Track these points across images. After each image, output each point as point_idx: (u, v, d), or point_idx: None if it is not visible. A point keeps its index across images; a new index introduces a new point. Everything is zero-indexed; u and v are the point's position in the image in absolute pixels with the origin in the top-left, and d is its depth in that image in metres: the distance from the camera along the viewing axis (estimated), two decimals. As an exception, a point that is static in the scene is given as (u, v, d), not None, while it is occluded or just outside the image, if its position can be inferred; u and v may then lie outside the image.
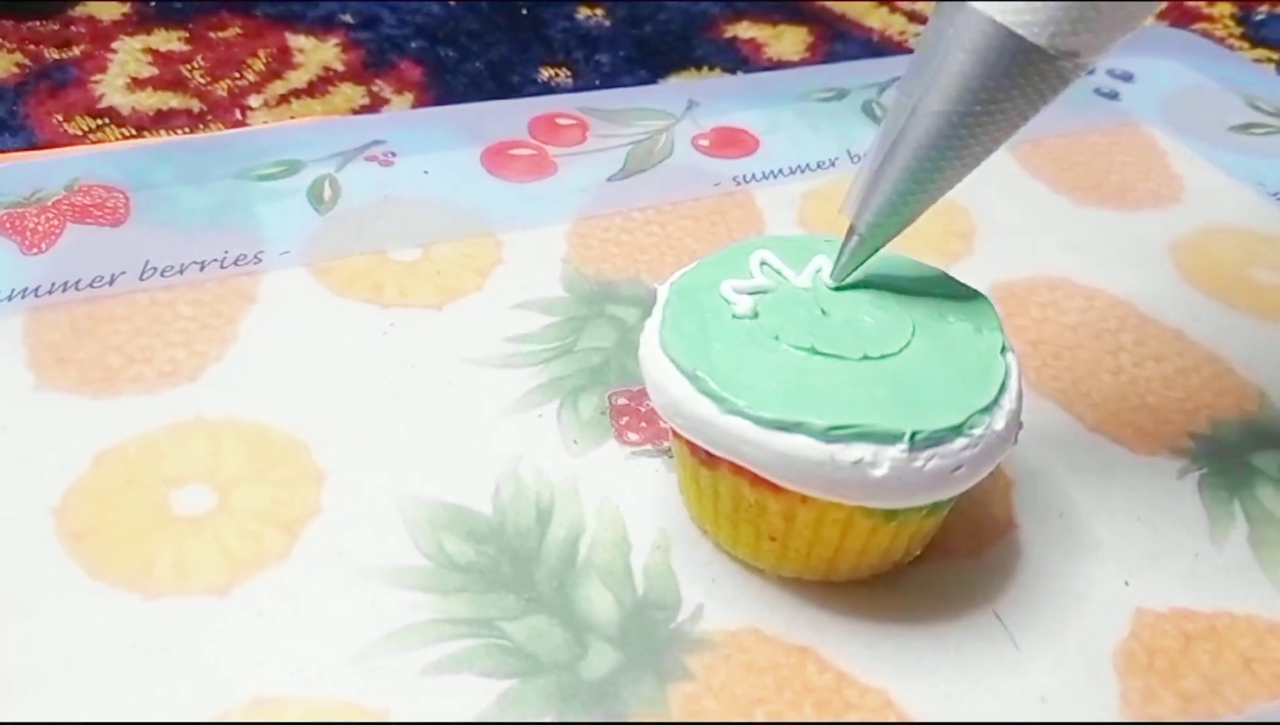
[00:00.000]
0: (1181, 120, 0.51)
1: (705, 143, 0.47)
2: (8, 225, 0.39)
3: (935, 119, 0.26)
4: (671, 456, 0.32)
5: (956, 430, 0.26)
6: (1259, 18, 0.63)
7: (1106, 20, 0.24)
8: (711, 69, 0.55)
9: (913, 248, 0.31)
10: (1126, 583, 0.30)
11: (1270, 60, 0.59)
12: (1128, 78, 0.54)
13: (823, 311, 0.28)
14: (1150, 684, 0.28)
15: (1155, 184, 0.46)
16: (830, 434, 0.25)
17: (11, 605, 0.28)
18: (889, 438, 0.25)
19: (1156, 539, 0.31)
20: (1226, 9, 0.63)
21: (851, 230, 0.28)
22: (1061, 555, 0.31)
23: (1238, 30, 0.61)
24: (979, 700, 0.27)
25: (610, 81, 0.54)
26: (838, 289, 0.29)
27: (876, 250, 0.28)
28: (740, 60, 0.56)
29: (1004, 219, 0.43)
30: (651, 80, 0.54)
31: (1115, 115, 0.51)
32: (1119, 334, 0.38)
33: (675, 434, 0.29)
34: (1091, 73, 0.53)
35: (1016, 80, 0.25)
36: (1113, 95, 0.52)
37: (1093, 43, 0.25)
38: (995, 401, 0.27)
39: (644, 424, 0.34)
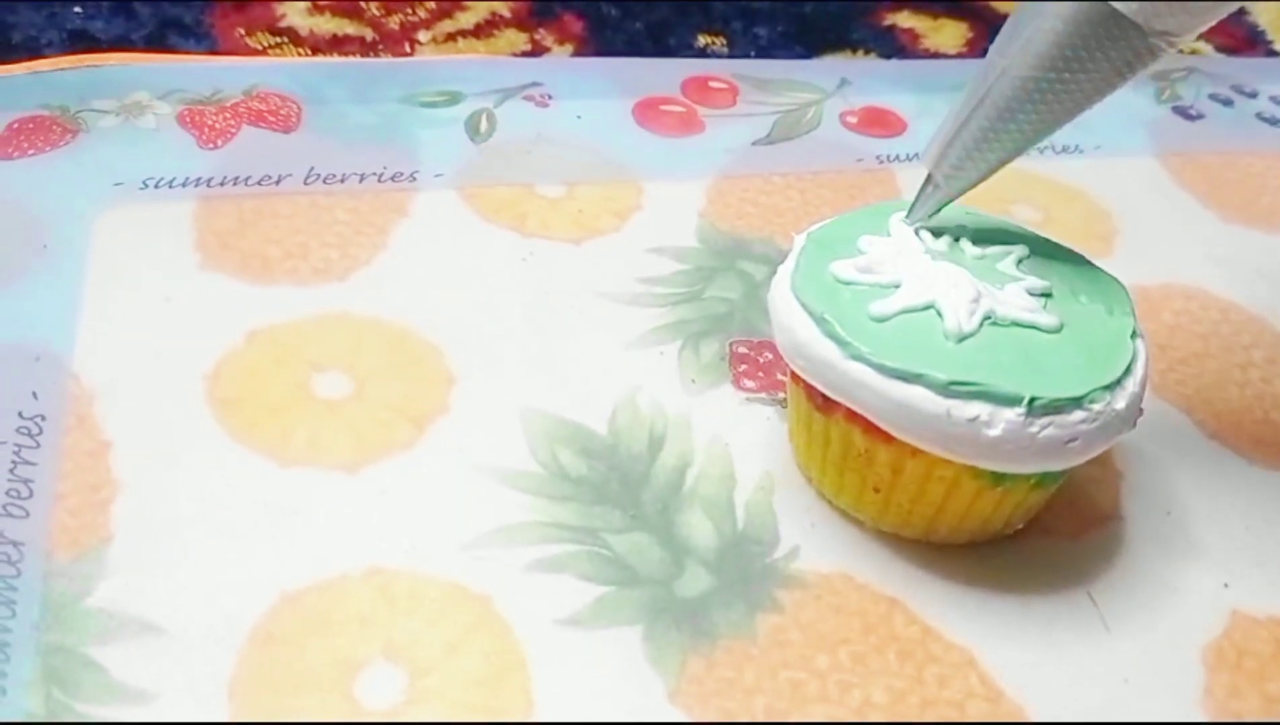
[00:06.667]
0: (1345, 154, 0.49)
1: (854, 120, 0.47)
2: (188, 120, 0.42)
3: (1022, 81, 0.27)
4: (784, 407, 0.33)
5: (1076, 402, 0.26)
6: None
7: (1205, 3, 0.25)
8: (867, 53, 0.56)
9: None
10: (1226, 584, 0.30)
11: None
12: (1293, 106, 0.52)
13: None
14: (1236, 681, 0.28)
15: (1307, 213, 0.45)
16: (950, 389, 0.26)
17: (159, 455, 0.30)
18: (1008, 400, 0.26)
19: (1263, 548, 0.31)
20: None
21: (929, 178, 0.29)
22: (1163, 551, 0.31)
23: None
24: (1061, 672, 0.28)
25: (765, 54, 0.54)
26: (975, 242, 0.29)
27: (951, 200, 0.29)
28: (896, 48, 0.56)
29: (1146, 226, 0.43)
30: (805, 57, 0.54)
31: (1275, 141, 0.50)
32: (1251, 350, 0.38)
33: (794, 377, 0.30)
34: (1254, 97, 0.52)
35: (1109, 54, 0.26)
36: (1275, 122, 0.51)
37: (1188, 24, 0.26)
38: (1119, 381, 0.27)
39: (761, 373, 0.35)
